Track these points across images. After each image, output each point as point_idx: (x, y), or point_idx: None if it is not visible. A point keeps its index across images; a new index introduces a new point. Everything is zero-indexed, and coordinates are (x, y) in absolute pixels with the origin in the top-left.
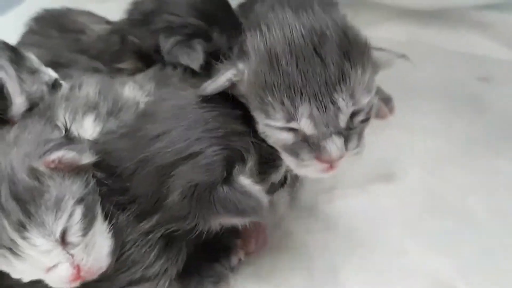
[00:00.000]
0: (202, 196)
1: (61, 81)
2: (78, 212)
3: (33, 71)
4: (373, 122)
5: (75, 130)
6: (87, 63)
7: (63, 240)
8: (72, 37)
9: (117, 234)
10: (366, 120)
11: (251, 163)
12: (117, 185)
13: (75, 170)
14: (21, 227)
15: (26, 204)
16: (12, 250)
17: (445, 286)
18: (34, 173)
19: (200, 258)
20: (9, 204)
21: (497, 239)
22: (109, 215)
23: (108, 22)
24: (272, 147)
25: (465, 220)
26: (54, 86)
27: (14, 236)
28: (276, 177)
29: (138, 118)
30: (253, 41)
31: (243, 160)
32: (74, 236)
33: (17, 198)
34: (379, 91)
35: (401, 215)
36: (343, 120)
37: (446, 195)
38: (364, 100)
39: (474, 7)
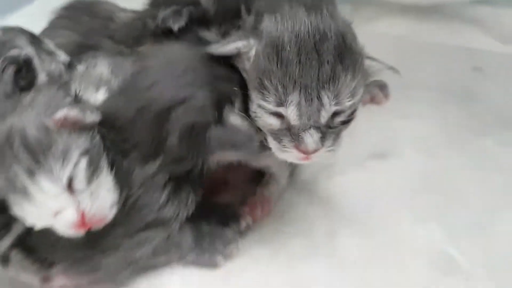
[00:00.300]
0: (198, 136)
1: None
2: (83, 162)
3: (50, 53)
4: (371, 108)
5: (86, 100)
6: (113, 47)
7: (70, 187)
8: (101, 23)
9: (122, 179)
10: (346, 122)
11: (238, 105)
12: (118, 136)
13: (81, 128)
14: (31, 173)
15: (35, 154)
16: (24, 194)
17: (436, 251)
18: (43, 128)
19: (211, 223)
20: (21, 154)
21: (484, 210)
22: (113, 163)
23: (133, 11)
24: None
25: (455, 195)
26: (70, 66)
27: (26, 181)
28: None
29: (132, 75)
30: (269, 24)
31: (231, 103)
32: (79, 183)
33: (28, 148)
34: (375, 79)
35: (395, 190)
36: (324, 117)
37: (437, 172)
38: (347, 103)
39: (468, 3)
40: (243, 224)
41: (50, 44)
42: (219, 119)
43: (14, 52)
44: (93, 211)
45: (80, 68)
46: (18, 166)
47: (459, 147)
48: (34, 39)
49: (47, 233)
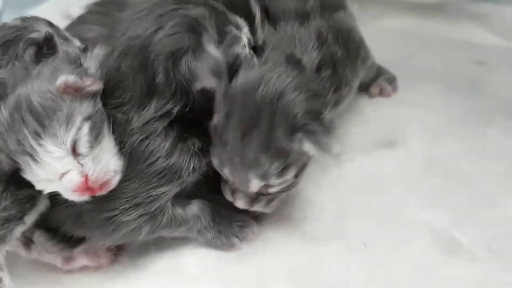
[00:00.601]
0: (179, 63)
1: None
2: (86, 126)
3: (67, 39)
4: (379, 99)
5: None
6: None
7: (74, 151)
8: None
9: (122, 132)
10: (282, 191)
11: (211, 29)
12: (109, 90)
13: (83, 94)
14: (37, 136)
15: (41, 118)
16: (32, 156)
17: (441, 233)
18: (47, 95)
19: (229, 208)
20: (28, 118)
21: (487, 194)
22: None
23: None
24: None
25: (459, 179)
26: (84, 50)
27: (33, 143)
28: (240, 49)
29: (111, 27)
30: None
31: (205, 28)
32: (83, 147)
33: (33, 114)
34: (384, 72)
35: (402, 176)
36: (253, 189)
37: (443, 159)
38: (276, 181)
39: (472, 0)
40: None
41: (65, 32)
42: (198, 47)
43: (34, 35)
44: (95, 174)
45: (95, 51)
46: (25, 130)
47: (463, 136)
48: (52, 26)
49: (68, 207)
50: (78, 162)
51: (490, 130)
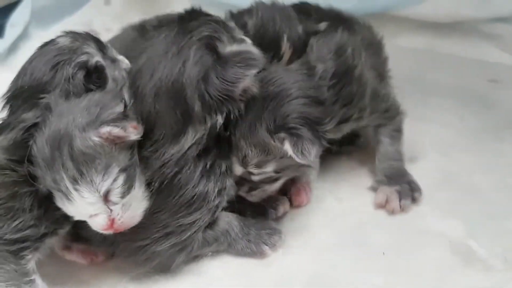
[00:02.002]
0: (212, 83)
1: None
2: (121, 178)
3: (114, 60)
4: None
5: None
6: None
7: (106, 198)
8: None
9: (152, 167)
10: (263, 183)
11: (225, 37)
12: (144, 134)
13: (123, 143)
14: (74, 181)
15: (80, 165)
16: (67, 196)
17: (457, 243)
18: (89, 142)
19: (254, 214)
20: (68, 163)
21: (500, 207)
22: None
23: None
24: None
25: (473, 192)
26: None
27: (69, 186)
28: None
29: (133, 76)
30: None
31: (218, 39)
32: (115, 196)
33: (74, 159)
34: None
35: None
36: (236, 172)
37: (457, 173)
38: (255, 170)
39: (485, 19)
40: (281, 210)
41: (113, 51)
42: (219, 57)
43: (83, 58)
44: (122, 220)
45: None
46: (63, 173)
47: (477, 150)
48: (100, 46)
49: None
50: (108, 207)
51: (502, 145)
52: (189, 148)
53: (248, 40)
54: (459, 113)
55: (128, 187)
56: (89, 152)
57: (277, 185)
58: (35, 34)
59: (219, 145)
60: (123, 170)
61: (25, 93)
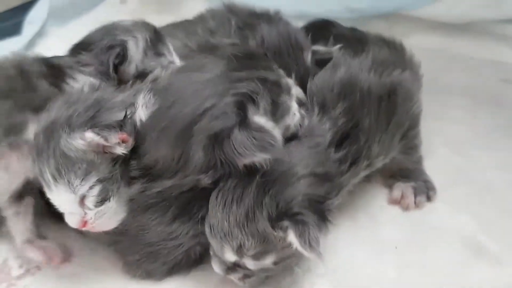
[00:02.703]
0: (223, 142)
1: None
2: (97, 188)
3: (160, 54)
4: None
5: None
6: None
7: (82, 201)
8: None
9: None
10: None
11: (263, 102)
12: (135, 160)
13: (107, 154)
14: (54, 178)
15: (60, 166)
16: (48, 187)
17: (468, 238)
18: (72, 144)
19: None
20: (51, 160)
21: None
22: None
23: None
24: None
25: (485, 188)
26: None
27: (50, 180)
28: (290, 119)
29: (156, 97)
30: None
31: (253, 101)
32: (89, 203)
33: (56, 158)
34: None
35: None
36: (228, 258)
37: (469, 169)
38: (251, 262)
39: (497, 20)
40: None
41: (167, 48)
42: (243, 121)
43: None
44: (94, 224)
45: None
46: (47, 168)
47: (489, 148)
48: (155, 38)
49: None
50: (83, 209)
51: None
52: (170, 187)
53: (294, 105)
54: (472, 112)
55: (102, 198)
56: (70, 154)
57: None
58: (51, 32)
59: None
60: (100, 181)
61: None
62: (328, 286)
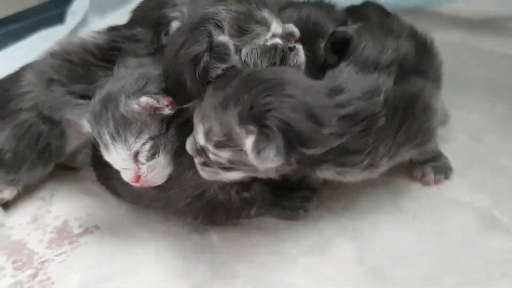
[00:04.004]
0: (199, 66)
1: None
2: (148, 144)
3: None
4: None
5: None
6: None
7: (135, 157)
8: None
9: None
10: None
11: (227, 26)
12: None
13: (157, 115)
14: (112, 138)
15: (119, 126)
16: (106, 148)
17: (482, 212)
18: (130, 108)
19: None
20: (110, 122)
21: None
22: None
23: None
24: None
25: (500, 171)
26: None
27: (108, 140)
28: (260, 42)
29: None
30: None
31: (219, 27)
32: (142, 158)
33: (115, 120)
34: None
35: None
36: (199, 140)
37: (486, 154)
38: (212, 150)
39: None
40: (310, 207)
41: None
42: (210, 44)
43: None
44: (146, 178)
45: None
46: (105, 129)
47: (504, 135)
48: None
49: None
50: (137, 165)
51: None
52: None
53: (269, 34)
54: (489, 102)
55: (153, 153)
56: (128, 116)
57: (232, 176)
58: (92, 22)
59: None
60: (151, 138)
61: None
62: (354, 248)
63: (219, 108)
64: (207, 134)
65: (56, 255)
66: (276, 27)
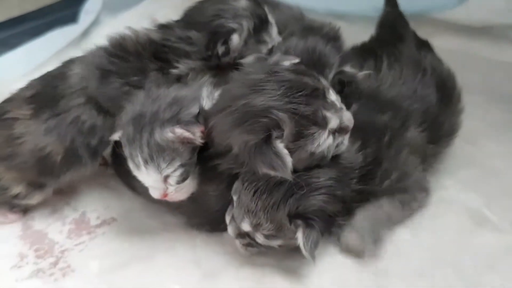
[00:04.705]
0: (250, 151)
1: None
2: (179, 171)
3: (260, 42)
4: None
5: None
6: None
7: (165, 180)
8: None
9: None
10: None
11: (287, 131)
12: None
13: (189, 144)
14: (145, 162)
15: (153, 152)
16: (138, 168)
17: (473, 210)
18: (164, 137)
19: None
20: (144, 147)
21: None
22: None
23: None
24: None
25: (492, 173)
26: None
27: (141, 163)
28: (313, 147)
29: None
30: None
31: (279, 128)
32: (171, 181)
33: (150, 147)
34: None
35: (444, 166)
36: (243, 228)
37: (480, 157)
38: (261, 239)
39: None
40: None
41: (271, 35)
42: (267, 140)
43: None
44: (172, 197)
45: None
46: (139, 153)
47: (497, 139)
48: (260, 25)
49: None
50: (165, 185)
51: None
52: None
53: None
54: (485, 108)
55: (183, 178)
56: (162, 144)
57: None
58: (105, 21)
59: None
60: (182, 165)
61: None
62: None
63: (270, 209)
64: (256, 227)
65: (76, 245)
66: (334, 121)
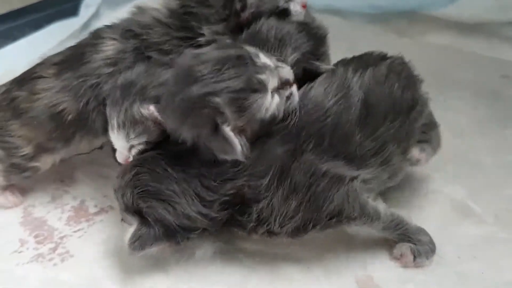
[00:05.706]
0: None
1: None
2: (142, 145)
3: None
4: None
5: None
6: None
7: (129, 149)
8: None
9: None
10: None
11: (228, 113)
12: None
13: (161, 125)
14: (118, 126)
15: (127, 120)
16: (112, 129)
17: (458, 202)
18: (140, 112)
19: None
20: (121, 112)
21: (499, 179)
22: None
23: None
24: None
25: (477, 167)
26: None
27: (115, 125)
28: (262, 113)
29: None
30: None
31: (221, 113)
32: (133, 151)
33: (126, 114)
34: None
35: (432, 160)
36: None
37: (466, 151)
38: None
39: (504, 23)
40: None
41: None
42: (216, 129)
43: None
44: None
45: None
46: (115, 120)
47: (485, 134)
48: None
49: None
50: (129, 153)
51: (507, 131)
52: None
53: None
54: (473, 103)
55: (143, 151)
56: (136, 117)
57: None
58: (104, 14)
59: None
60: (147, 142)
61: None
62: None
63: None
64: None
65: (74, 231)
66: (272, 81)
